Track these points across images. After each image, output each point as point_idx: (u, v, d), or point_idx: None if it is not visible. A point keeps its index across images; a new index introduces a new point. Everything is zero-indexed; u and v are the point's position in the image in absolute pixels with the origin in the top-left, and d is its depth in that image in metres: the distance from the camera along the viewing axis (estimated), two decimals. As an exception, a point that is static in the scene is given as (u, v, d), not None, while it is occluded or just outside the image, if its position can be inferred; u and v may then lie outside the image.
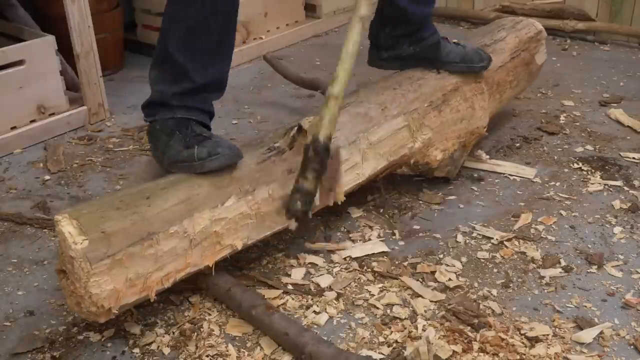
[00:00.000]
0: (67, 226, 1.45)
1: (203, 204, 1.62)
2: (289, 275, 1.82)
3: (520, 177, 2.27)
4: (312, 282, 1.79)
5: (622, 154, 2.40)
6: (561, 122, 2.66)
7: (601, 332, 1.59)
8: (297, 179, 1.69)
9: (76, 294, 1.48)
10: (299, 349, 1.52)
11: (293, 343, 1.53)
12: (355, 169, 1.92)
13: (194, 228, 1.59)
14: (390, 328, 1.63)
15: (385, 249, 1.93)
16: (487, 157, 2.37)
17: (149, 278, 1.53)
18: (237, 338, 1.62)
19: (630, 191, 2.17)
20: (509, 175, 2.28)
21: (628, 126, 2.61)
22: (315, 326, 1.64)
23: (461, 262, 1.85)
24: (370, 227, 2.03)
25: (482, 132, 2.26)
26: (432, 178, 2.23)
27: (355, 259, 1.89)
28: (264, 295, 1.71)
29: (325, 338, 1.58)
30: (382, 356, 1.53)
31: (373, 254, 1.91)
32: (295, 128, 1.82)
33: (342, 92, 1.69)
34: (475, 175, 2.28)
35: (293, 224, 1.71)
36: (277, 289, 1.75)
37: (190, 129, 1.72)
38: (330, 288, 1.76)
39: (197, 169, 1.65)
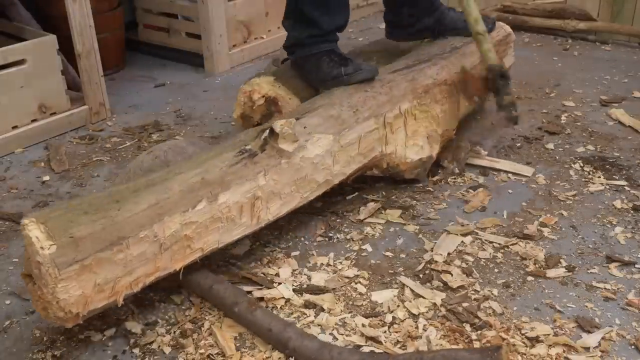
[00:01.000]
0: (34, 230, 1.42)
1: (173, 208, 1.59)
2: (289, 274, 1.82)
3: (519, 174, 2.28)
4: (311, 280, 1.79)
5: (623, 153, 2.40)
6: (562, 122, 2.66)
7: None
8: (497, 100, 2.20)
9: (43, 299, 1.45)
10: (282, 344, 1.52)
11: (277, 339, 1.54)
12: (325, 171, 1.91)
13: (164, 232, 1.56)
14: (390, 327, 1.63)
15: (386, 248, 1.93)
16: (485, 152, 2.40)
17: (118, 283, 1.51)
18: (237, 337, 1.62)
19: (632, 191, 2.17)
20: (507, 173, 2.29)
21: (629, 126, 2.61)
22: (314, 326, 1.64)
23: (463, 262, 1.85)
24: (372, 227, 2.03)
25: (451, 135, 2.29)
26: (433, 179, 2.23)
27: (356, 258, 1.89)
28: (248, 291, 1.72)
29: (324, 337, 1.58)
30: (370, 348, 1.53)
31: (374, 253, 1.91)
32: (267, 131, 1.80)
33: (484, 27, 2.21)
34: (475, 173, 2.28)
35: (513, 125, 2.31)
36: (276, 289, 1.75)
37: (334, 55, 2.21)
38: (330, 288, 1.76)
39: (345, 82, 2.14)
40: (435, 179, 2.26)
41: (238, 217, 1.71)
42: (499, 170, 2.31)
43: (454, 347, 1.55)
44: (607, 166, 2.32)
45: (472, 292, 1.74)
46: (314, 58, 2.22)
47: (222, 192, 1.67)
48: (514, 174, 2.28)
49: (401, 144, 2.11)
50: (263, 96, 2.25)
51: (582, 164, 2.34)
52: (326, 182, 1.92)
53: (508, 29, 2.63)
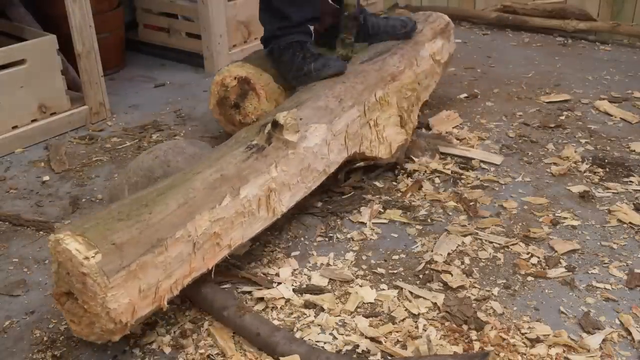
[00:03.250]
0: (72, 243, 1.39)
1: (202, 205, 1.60)
2: (289, 274, 1.82)
3: (490, 162, 2.36)
4: (311, 280, 1.79)
5: (623, 153, 2.40)
6: (562, 121, 2.66)
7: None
8: (341, 37, 2.41)
9: (90, 314, 1.42)
10: (271, 349, 1.52)
11: (265, 343, 1.54)
12: (323, 160, 1.95)
13: (197, 231, 1.57)
14: (391, 327, 1.62)
15: (386, 248, 1.93)
16: (458, 142, 2.49)
17: (160, 287, 1.49)
18: (236, 337, 1.62)
19: (632, 191, 2.17)
20: (480, 161, 2.35)
21: (621, 118, 2.66)
22: (314, 326, 1.64)
23: (463, 262, 1.85)
24: (372, 227, 2.03)
25: (417, 117, 2.40)
26: (432, 179, 2.23)
27: (356, 258, 1.89)
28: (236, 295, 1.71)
29: (324, 337, 1.58)
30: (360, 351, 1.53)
31: (374, 253, 1.91)
32: (270, 125, 1.83)
33: None
34: (475, 174, 2.29)
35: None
36: (276, 289, 1.75)
37: (305, 49, 2.29)
38: (330, 288, 1.77)
39: (315, 77, 2.22)
40: (422, 177, 2.26)
41: (257, 210, 1.73)
42: (470, 159, 2.38)
43: (453, 347, 1.55)
44: (607, 166, 2.32)
45: (473, 292, 1.74)
46: (288, 52, 2.30)
47: (242, 186, 1.70)
48: (486, 162, 2.36)
49: (381, 129, 2.19)
50: (235, 77, 2.37)
51: (582, 164, 2.34)
52: (324, 171, 1.97)
53: (447, 17, 2.76)
